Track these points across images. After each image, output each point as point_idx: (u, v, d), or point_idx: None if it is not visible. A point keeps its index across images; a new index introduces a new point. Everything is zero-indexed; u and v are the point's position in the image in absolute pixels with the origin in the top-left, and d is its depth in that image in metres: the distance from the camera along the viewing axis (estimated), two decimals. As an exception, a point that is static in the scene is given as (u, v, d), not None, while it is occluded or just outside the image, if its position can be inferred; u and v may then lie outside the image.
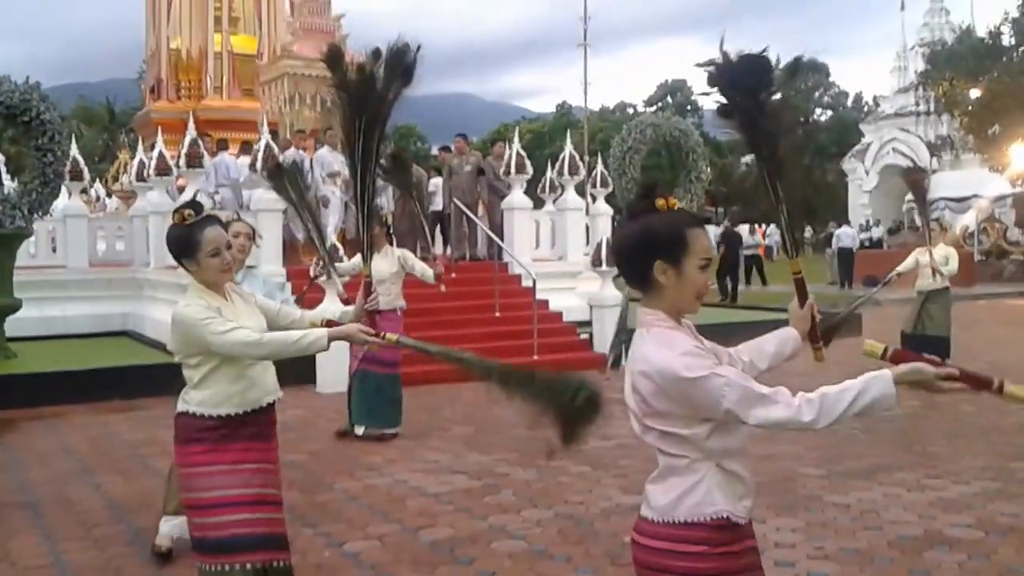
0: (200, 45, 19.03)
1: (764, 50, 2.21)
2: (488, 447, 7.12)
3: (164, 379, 4.15)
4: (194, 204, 3.21)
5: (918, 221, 28.71)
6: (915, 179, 10.10)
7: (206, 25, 19.06)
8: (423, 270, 7.63)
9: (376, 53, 3.22)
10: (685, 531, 2.09)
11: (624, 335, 9.45)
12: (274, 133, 13.42)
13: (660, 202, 2.10)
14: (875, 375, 2.01)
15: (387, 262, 7.37)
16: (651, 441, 2.16)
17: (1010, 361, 11.28)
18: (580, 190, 15.18)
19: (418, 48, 3.20)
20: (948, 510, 5.30)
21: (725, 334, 13.09)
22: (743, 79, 2.20)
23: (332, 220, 12.28)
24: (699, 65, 2.22)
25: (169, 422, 3.32)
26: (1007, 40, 26.44)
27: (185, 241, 3.10)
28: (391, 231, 8.53)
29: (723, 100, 2.26)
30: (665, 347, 2.06)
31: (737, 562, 2.12)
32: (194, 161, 11.94)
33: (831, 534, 4.94)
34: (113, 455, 7.16)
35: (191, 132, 12.16)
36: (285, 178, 4.70)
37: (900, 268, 9.82)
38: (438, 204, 14.53)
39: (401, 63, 3.21)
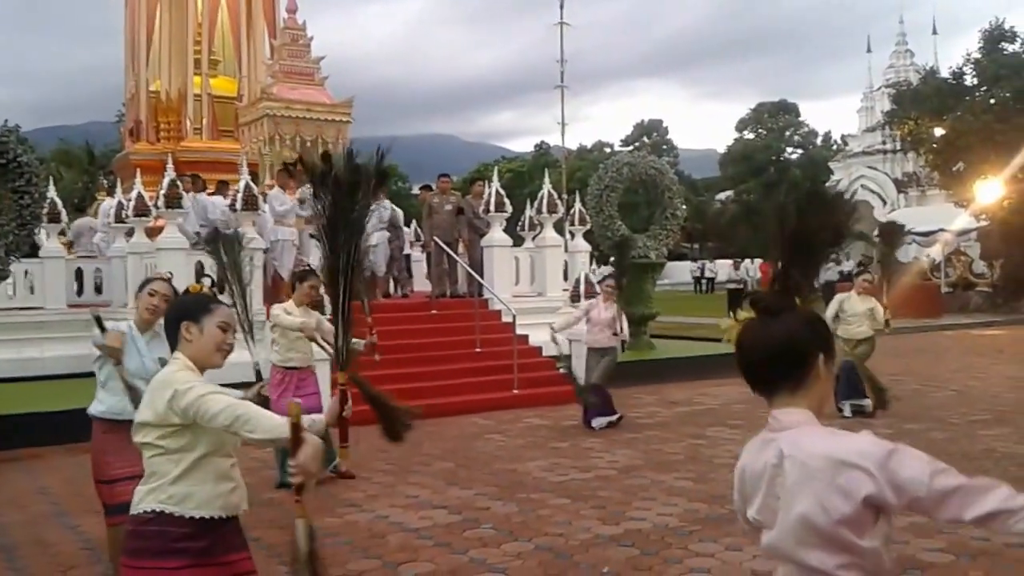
0: (180, 87, 19.13)
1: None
2: (468, 482, 7.15)
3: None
4: (213, 282, 3.27)
5: (895, 256, 29.10)
6: (890, 230, 10.43)
7: (186, 68, 19.17)
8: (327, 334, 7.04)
9: (352, 163, 3.31)
10: None
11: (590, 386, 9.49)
12: (254, 175, 13.53)
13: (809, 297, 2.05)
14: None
15: (306, 320, 7.20)
16: (815, 562, 1.86)
17: (976, 388, 11.46)
18: (559, 227, 15.37)
19: (385, 151, 3.33)
20: (920, 535, 5.39)
21: (728, 364, 12.98)
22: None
23: (286, 261, 12.44)
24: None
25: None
26: (969, 80, 27.03)
27: (197, 305, 2.87)
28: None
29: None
30: (844, 436, 1.89)
31: None
32: (173, 202, 12.00)
33: (807, 561, 5.01)
34: (89, 496, 7.07)
35: (170, 173, 12.24)
36: (221, 243, 4.89)
37: (827, 314, 9.83)
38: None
39: (378, 171, 3.33)
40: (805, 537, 1.87)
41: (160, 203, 12.15)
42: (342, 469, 7.19)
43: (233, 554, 2.76)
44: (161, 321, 3.47)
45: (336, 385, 3.35)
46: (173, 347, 2.86)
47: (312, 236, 11.71)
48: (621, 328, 9.55)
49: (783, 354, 2.00)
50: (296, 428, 2.58)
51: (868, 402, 9.66)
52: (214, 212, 13.21)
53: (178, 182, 12.35)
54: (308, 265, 8.87)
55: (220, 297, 3.27)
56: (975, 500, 1.81)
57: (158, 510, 2.66)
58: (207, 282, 3.15)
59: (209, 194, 13.96)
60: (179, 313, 2.88)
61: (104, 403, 4.64)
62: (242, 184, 11.99)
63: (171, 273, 5.36)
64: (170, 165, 12.60)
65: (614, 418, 9.43)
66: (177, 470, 2.66)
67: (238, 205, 11.78)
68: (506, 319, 12.08)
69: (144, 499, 2.70)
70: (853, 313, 9.67)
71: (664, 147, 67.07)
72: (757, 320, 2.07)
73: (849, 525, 1.82)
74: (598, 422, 9.36)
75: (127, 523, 2.77)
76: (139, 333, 4.60)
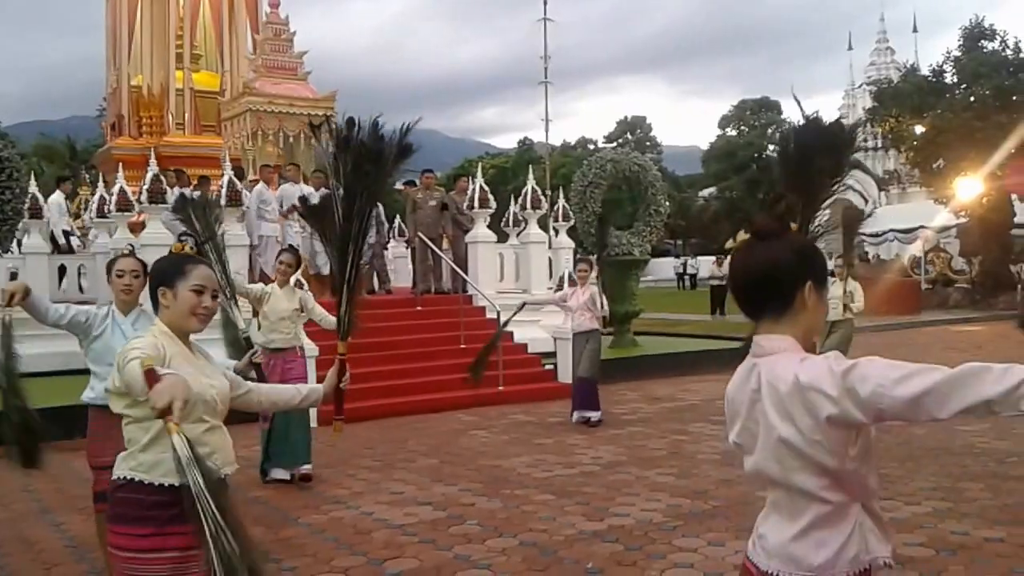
0: (162, 82, 19.03)
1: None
2: (453, 478, 7.18)
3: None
4: (197, 242, 2.98)
5: (868, 251, 29.14)
6: (850, 216, 10.50)
7: (168, 62, 19.08)
8: (322, 315, 7.28)
9: (377, 131, 3.12)
10: None
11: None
12: (237, 169, 13.48)
13: (794, 225, 2.03)
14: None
15: (288, 301, 7.24)
16: (799, 483, 1.92)
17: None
18: (543, 224, 15.41)
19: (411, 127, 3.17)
20: (900, 530, 5.45)
21: (710, 360, 13.06)
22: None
23: (270, 258, 12.44)
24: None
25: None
26: (949, 78, 27.23)
27: (172, 267, 2.77)
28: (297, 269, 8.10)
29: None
30: (810, 360, 1.91)
31: None
32: (156, 197, 11.94)
33: (788, 556, 5.06)
34: (73, 494, 7.08)
35: (153, 168, 12.17)
36: (191, 210, 4.76)
37: (860, 306, 10.03)
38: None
39: (402, 145, 3.17)
40: (786, 460, 1.90)
41: (143, 198, 12.09)
42: (335, 438, 7.14)
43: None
44: (146, 294, 3.25)
45: (336, 356, 3.25)
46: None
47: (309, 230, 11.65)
48: (601, 305, 9.50)
49: (766, 279, 2.00)
50: (150, 372, 2.31)
51: None
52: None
53: (161, 177, 12.29)
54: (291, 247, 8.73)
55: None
56: (948, 399, 1.78)
57: (128, 477, 2.65)
58: (190, 241, 2.97)
59: (191, 190, 13.91)
60: (155, 279, 2.83)
61: (95, 389, 4.54)
62: (225, 179, 11.96)
63: (131, 246, 5.17)
64: (153, 160, 12.53)
65: (594, 417, 9.41)
66: (146, 437, 2.63)
67: (222, 201, 11.73)
68: (491, 315, 12.10)
69: (119, 466, 2.70)
70: (831, 296, 9.80)
71: (647, 144, 67.29)
72: (748, 243, 2.06)
73: (824, 447, 1.84)
74: (578, 416, 9.37)
75: (111, 489, 2.75)
76: (122, 316, 4.45)
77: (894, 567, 1.96)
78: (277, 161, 15.76)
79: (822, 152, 2.23)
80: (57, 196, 15.76)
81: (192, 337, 2.82)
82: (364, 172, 3.09)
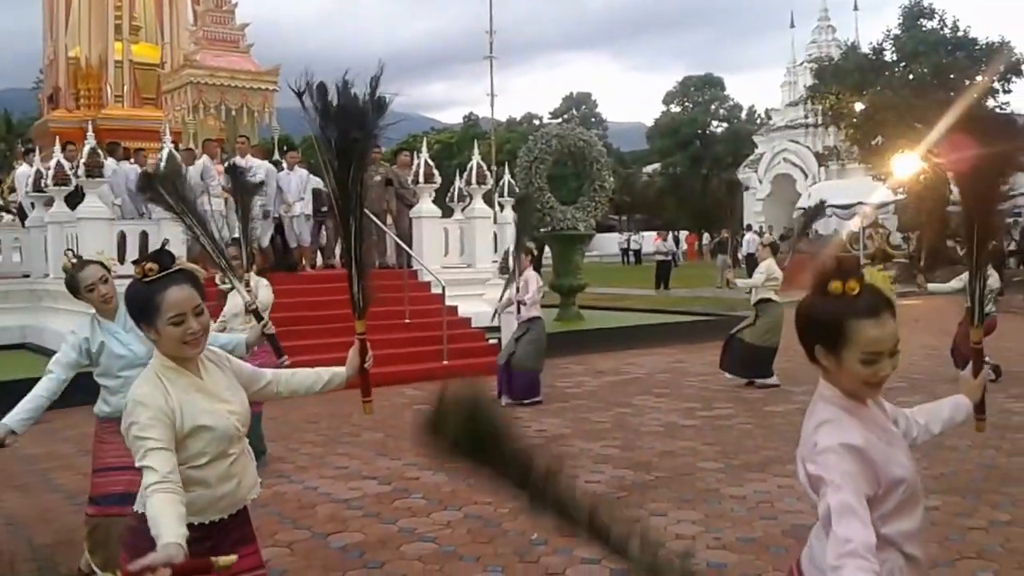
0: (100, 54, 18.52)
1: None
2: (399, 452, 7.18)
3: (64, 392, 3.99)
4: (161, 255, 2.58)
5: (813, 227, 29.68)
6: (811, 215, 10.77)
7: (106, 33, 18.56)
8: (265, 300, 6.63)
9: (349, 91, 2.87)
10: None
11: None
12: (177, 144, 13.22)
13: (835, 285, 1.95)
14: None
15: (240, 295, 6.44)
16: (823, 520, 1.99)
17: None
18: (488, 199, 15.39)
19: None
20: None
21: (654, 334, 13.13)
22: None
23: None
24: None
25: (69, 434, 3.02)
26: (889, 56, 27.69)
27: (142, 303, 2.52)
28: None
29: None
30: (817, 430, 1.99)
31: None
32: (93, 171, 11.67)
33: (728, 525, 5.18)
34: (11, 470, 6.94)
35: (90, 141, 11.88)
36: (159, 186, 4.49)
37: (753, 282, 10.19)
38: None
39: (376, 100, 2.92)
40: (810, 489, 2.00)
41: (80, 172, 11.80)
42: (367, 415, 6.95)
43: (240, 547, 2.57)
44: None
45: (358, 338, 3.09)
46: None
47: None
48: (528, 299, 9.36)
49: (799, 333, 2.06)
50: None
51: (774, 379, 9.87)
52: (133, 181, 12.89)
53: (98, 150, 12.00)
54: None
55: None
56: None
57: None
58: (154, 265, 2.56)
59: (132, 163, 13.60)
60: (133, 315, 2.62)
61: (110, 404, 4.13)
62: (165, 153, 11.72)
63: (70, 251, 4.84)
64: (90, 133, 12.23)
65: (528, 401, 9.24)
66: None
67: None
68: (436, 290, 12.08)
69: (140, 499, 2.45)
70: (773, 276, 9.96)
71: (593, 120, 67.40)
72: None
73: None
74: (507, 400, 9.14)
75: (130, 517, 2.55)
76: (110, 322, 4.13)
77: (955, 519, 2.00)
78: (219, 135, 15.48)
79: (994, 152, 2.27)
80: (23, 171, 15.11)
81: None
82: (352, 138, 2.88)
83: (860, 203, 27.28)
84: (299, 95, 2.82)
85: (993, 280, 9.23)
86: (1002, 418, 7.49)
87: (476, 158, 14.82)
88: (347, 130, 2.84)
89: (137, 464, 2.35)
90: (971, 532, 4.91)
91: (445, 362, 10.94)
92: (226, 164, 12.30)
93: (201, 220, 4.30)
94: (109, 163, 12.52)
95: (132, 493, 2.77)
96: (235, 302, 6.61)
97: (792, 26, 47.12)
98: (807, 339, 2.01)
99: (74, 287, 4.18)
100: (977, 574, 4.33)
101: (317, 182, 13.85)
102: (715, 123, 60.53)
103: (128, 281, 2.62)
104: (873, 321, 1.93)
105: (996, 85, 25.80)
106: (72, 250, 5.82)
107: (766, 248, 10.36)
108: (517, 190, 15.14)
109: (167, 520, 2.21)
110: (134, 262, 2.59)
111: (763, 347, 9.81)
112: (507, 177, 15.38)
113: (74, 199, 12.27)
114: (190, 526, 2.37)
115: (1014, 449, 6.82)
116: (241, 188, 6.27)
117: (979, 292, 2.61)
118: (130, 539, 2.52)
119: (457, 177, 15.32)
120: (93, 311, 4.16)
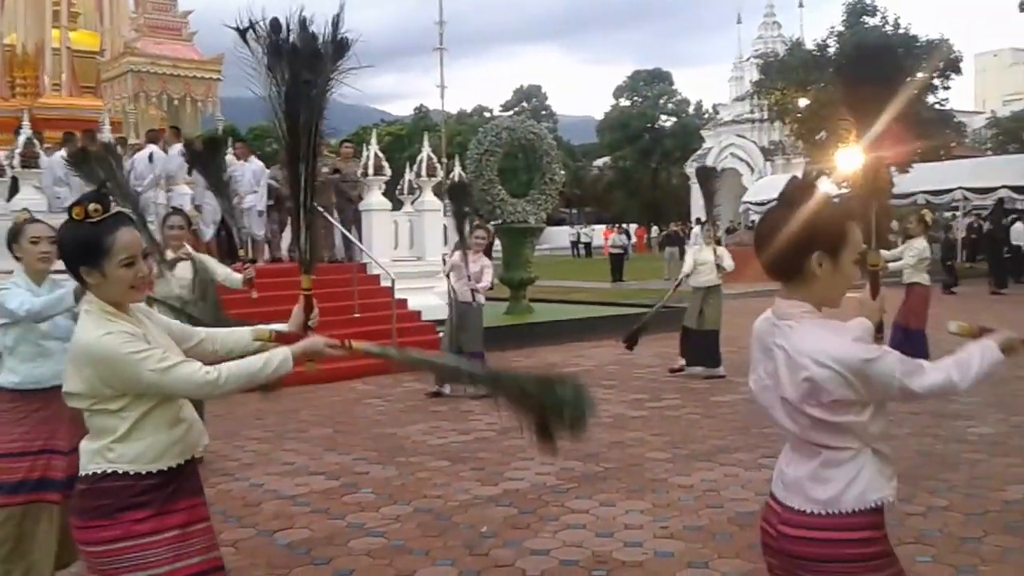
0: (37, 41, 18.05)
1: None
2: (347, 447, 7.12)
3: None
4: (100, 196, 2.46)
5: (754, 220, 29.91)
6: (705, 175, 10.79)
7: (43, 20, 18.10)
8: (225, 274, 6.68)
9: (307, 31, 2.67)
10: (852, 519, 2.10)
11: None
12: (122, 139, 12.95)
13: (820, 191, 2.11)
14: (984, 344, 2.17)
15: (186, 270, 6.48)
16: (811, 436, 2.13)
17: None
18: (438, 192, 15.32)
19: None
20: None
21: (603, 327, 13.18)
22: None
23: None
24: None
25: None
26: (833, 52, 28.18)
27: (90, 244, 2.38)
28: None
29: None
30: (833, 334, 2.07)
31: (889, 543, 2.19)
32: (29, 161, 11.37)
33: (676, 514, 5.23)
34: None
35: (26, 131, 11.57)
36: (93, 162, 4.39)
37: (684, 270, 10.37)
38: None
39: (337, 42, 2.72)
40: (798, 418, 2.12)
41: (15, 162, 11.48)
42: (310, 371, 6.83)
43: (193, 498, 2.55)
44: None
45: (303, 293, 2.91)
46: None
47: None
48: (486, 280, 9.37)
49: (777, 248, 2.13)
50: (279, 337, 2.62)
51: (722, 370, 9.97)
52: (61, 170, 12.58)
53: (34, 140, 11.70)
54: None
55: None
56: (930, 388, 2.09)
57: (110, 471, 2.40)
58: (99, 206, 2.42)
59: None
60: (71, 257, 2.44)
61: (18, 373, 3.98)
62: (106, 141, 11.45)
63: (28, 210, 4.78)
64: (26, 122, 11.91)
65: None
66: (124, 426, 2.40)
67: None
68: (385, 283, 12.01)
69: (93, 459, 2.43)
70: (703, 262, 10.06)
71: (543, 112, 67.54)
72: (771, 207, 2.19)
73: (828, 411, 2.06)
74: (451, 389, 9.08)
75: (78, 483, 2.48)
76: (37, 287, 3.95)
77: (896, 504, 2.17)
78: (161, 124, 15.19)
79: (878, 75, 2.38)
80: None
81: None
82: (304, 80, 2.66)
83: (805, 197, 27.69)
84: (241, 33, 2.64)
85: (920, 249, 9.51)
86: (939, 406, 7.66)
87: (426, 150, 14.77)
88: (300, 72, 2.66)
89: (152, 373, 2.34)
90: (909, 518, 5.01)
91: (394, 355, 10.88)
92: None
93: (131, 196, 4.33)
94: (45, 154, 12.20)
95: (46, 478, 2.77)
96: (182, 275, 6.42)
97: (739, 22, 47.76)
98: (806, 248, 2.09)
99: (15, 236, 4.05)
100: (916, 559, 4.41)
101: (272, 174, 13.70)
102: (664, 117, 61.08)
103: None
104: (857, 224, 2.17)
105: (936, 82, 26.37)
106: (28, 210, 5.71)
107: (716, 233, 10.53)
108: (468, 182, 15.09)
109: (254, 357, 2.55)
110: (70, 205, 2.44)
111: (715, 331, 9.99)
112: (457, 170, 15.33)
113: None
114: (149, 474, 2.42)
115: (951, 436, 6.98)
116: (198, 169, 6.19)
117: None
118: (87, 503, 2.42)
119: (407, 169, 15.23)
120: (17, 276, 4.01)
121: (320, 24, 2.67)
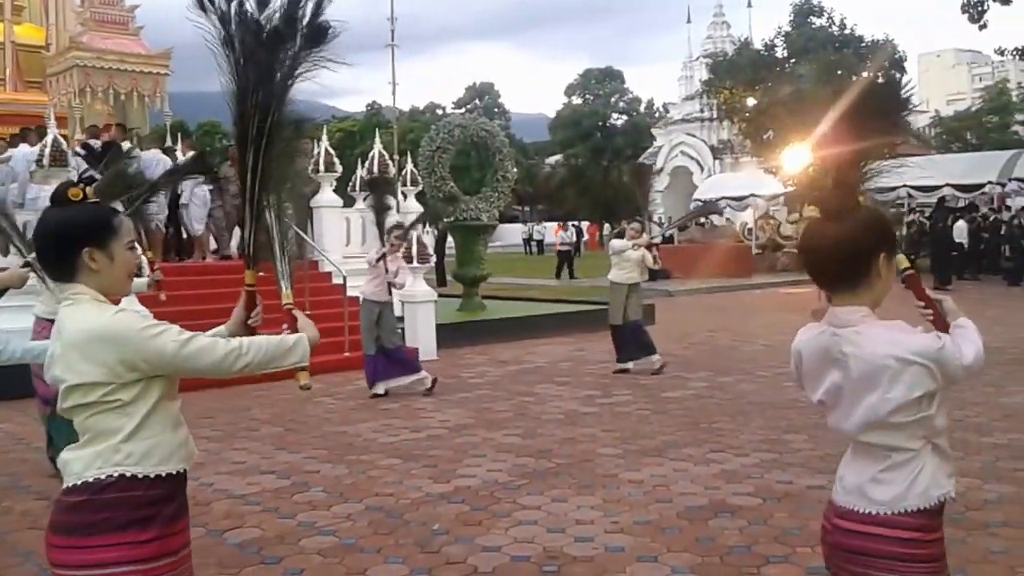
0: (-20, 35, 17.62)
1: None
2: (298, 445, 7.07)
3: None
4: (90, 181, 2.34)
5: (711, 219, 30.27)
6: (639, 172, 10.89)
7: (-14, 14, 17.67)
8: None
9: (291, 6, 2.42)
10: (915, 519, 2.10)
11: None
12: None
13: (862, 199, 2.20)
14: (963, 318, 2.26)
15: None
16: (881, 439, 2.15)
17: (783, 343, 12.26)
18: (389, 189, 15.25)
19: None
20: (730, 480, 5.78)
21: (555, 324, 13.23)
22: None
23: None
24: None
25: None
26: (780, 52, 28.69)
27: (102, 222, 2.24)
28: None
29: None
30: (900, 330, 2.11)
31: (944, 544, 2.18)
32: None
33: (626, 509, 5.28)
34: None
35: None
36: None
37: (618, 248, 10.42)
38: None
39: (316, 25, 2.46)
40: (872, 422, 2.13)
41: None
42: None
43: (187, 518, 2.33)
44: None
45: (246, 289, 2.74)
46: (56, 278, 2.26)
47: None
48: (402, 279, 9.37)
49: (844, 256, 2.15)
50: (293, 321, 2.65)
51: (657, 358, 10.11)
52: (19, 164, 12.31)
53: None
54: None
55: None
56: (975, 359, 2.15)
57: (116, 474, 2.14)
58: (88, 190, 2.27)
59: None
60: (74, 235, 2.22)
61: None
62: (50, 138, 11.22)
63: None
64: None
65: (409, 380, 9.18)
66: (131, 423, 2.17)
67: (45, 161, 10.99)
68: (336, 280, 11.94)
69: (94, 463, 2.15)
70: (628, 259, 10.19)
71: (496, 110, 67.62)
72: (820, 221, 2.19)
73: (904, 409, 2.08)
74: (385, 386, 9.13)
75: (67, 496, 2.18)
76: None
77: (956, 500, 2.19)
78: (107, 120, 14.92)
79: (879, 112, 2.42)
80: None
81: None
82: (258, 60, 2.41)
83: (753, 195, 28.10)
84: (200, 5, 2.38)
85: None
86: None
87: (378, 147, 14.68)
88: (253, 52, 2.41)
89: (172, 345, 2.19)
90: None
91: (347, 353, 10.82)
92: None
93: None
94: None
95: None
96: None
97: (689, 21, 48.33)
98: (874, 251, 2.14)
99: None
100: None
101: (224, 173, 13.51)
102: (615, 115, 61.43)
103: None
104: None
105: (879, 81, 26.91)
106: None
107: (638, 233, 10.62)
108: (420, 180, 15.06)
109: (276, 337, 2.48)
110: (63, 187, 2.28)
111: (638, 321, 10.17)
112: (410, 166, 15.27)
113: None
114: (155, 479, 2.19)
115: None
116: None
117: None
118: (82, 518, 2.14)
119: (359, 166, 15.14)
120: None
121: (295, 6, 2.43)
